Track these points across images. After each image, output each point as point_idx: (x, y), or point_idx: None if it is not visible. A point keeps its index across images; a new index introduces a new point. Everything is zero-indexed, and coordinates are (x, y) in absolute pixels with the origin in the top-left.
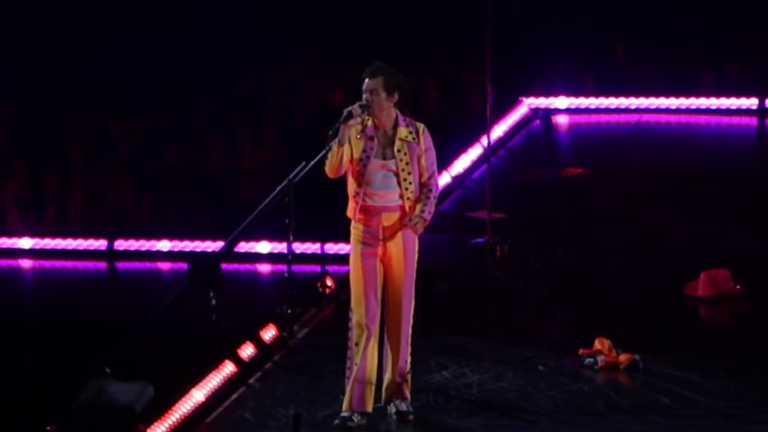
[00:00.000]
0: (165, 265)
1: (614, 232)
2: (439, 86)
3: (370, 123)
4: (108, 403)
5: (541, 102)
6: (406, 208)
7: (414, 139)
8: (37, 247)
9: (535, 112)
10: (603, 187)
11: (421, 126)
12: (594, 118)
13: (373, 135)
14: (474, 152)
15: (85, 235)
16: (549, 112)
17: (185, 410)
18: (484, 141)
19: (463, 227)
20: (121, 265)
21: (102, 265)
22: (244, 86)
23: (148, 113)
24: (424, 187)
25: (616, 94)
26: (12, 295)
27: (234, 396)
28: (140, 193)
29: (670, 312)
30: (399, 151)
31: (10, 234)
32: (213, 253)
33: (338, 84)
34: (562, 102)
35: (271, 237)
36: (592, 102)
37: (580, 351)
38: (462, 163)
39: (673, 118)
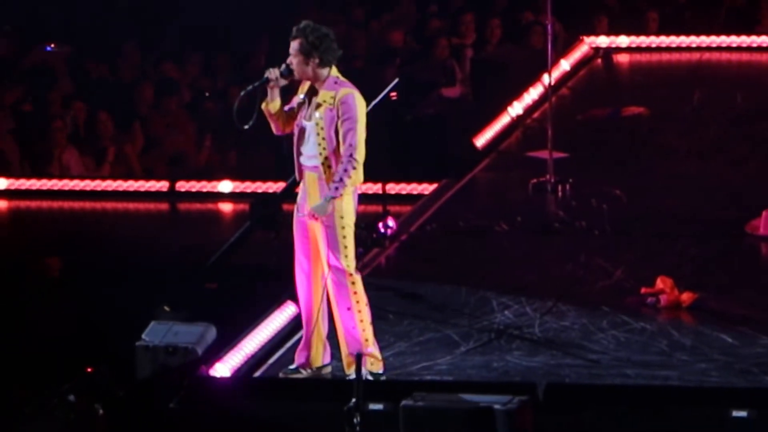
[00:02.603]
0: (226, 206)
1: (676, 171)
2: (503, 26)
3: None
4: (170, 345)
5: (602, 41)
6: (322, 172)
7: (331, 104)
8: (99, 188)
9: (596, 50)
10: (664, 126)
11: (343, 92)
12: (655, 57)
13: (304, 96)
14: (535, 91)
15: (147, 177)
16: (610, 51)
17: (247, 351)
18: (545, 80)
19: (525, 167)
20: (182, 206)
21: (164, 206)
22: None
23: (207, 54)
24: (340, 159)
25: (678, 33)
26: (72, 237)
27: (296, 337)
28: (201, 134)
29: (731, 250)
30: (316, 114)
31: (71, 176)
32: (274, 193)
33: (399, 23)
34: (623, 40)
35: None
36: (654, 40)
37: (642, 290)
38: (523, 102)
39: (735, 56)
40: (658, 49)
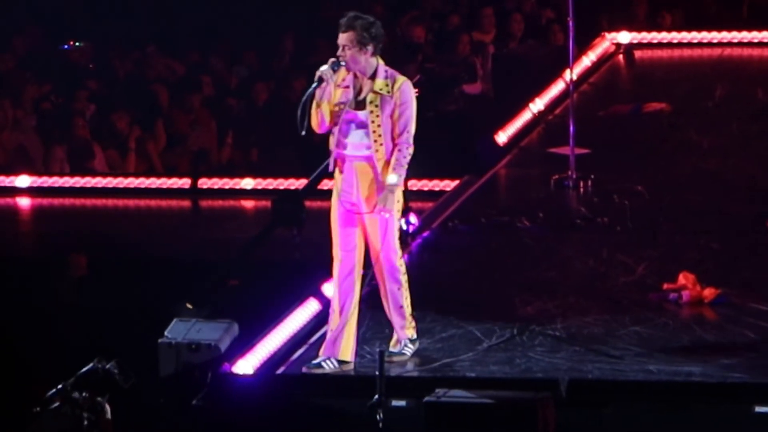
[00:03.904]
0: (248, 203)
1: (697, 167)
2: (524, 22)
3: (351, 73)
4: (193, 342)
5: (624, 37)
6: (375, 161)
7: (389, 92)
8: (121, 186)
9: (618, 46)
10: (686, 122)
11: (400, 80)
12: (677, 53)
13: (349, 85)
14: (556, 88)
15: (169, 174)
16: (631, 47)
17: (270, 348)
18: (567, 76)
19: (546, 163)
20: (204, 203)
21: (186, 203)
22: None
23: (228, 50)
24: (396, 145)
25: (699, 28)
26: (95, 235)
27: (319, 333)
28: (224, 131)
29: (753, 246)
30: (371, 102)
31: (94, 173)
32: (296, 190)
33: (422, 18)
34: (644, 37)
35: None
36: (675, 36)
37: (665, 286)
38: (544, 98)
39: (756, 52)
40: (680, 44)
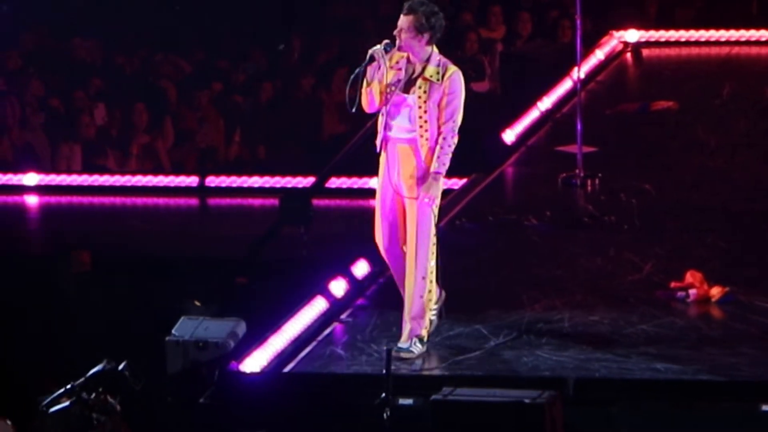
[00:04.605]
0: (256, 202)
1: (705, 165)
2: (532, 20)
3: (405, 55)
4: (200, 340)
5: (632, 35)
6: (419, 146)
7: (438, 80)
8: (128, 184)
9: (626, 45)
10: (693, 120)
11: (451, 69)
12: (685, 51)
13: (402, 67)
14: (564, 86)
15: (177, 172)
16: (639, 45)
17: (277, 346)
18: (575, 74)
19: (553, 161)
20: (212, 201)
21: (193, 201)
22: (336, 19)
23: (237, 49)
24: (440, 134)
25: (707, 27)
26: (105, 232)
27: (326, 332)
28: (231, 129)
29: (761, 244)
30: (420, 88)
31: (101, 171)
32: (304, 188)
33: None
34: (652, 35)
35: (362, 172)
36: (683, 34)
37: (672, 284)
38: (552, 97)
39: (764, 50)
40: (688, 43)
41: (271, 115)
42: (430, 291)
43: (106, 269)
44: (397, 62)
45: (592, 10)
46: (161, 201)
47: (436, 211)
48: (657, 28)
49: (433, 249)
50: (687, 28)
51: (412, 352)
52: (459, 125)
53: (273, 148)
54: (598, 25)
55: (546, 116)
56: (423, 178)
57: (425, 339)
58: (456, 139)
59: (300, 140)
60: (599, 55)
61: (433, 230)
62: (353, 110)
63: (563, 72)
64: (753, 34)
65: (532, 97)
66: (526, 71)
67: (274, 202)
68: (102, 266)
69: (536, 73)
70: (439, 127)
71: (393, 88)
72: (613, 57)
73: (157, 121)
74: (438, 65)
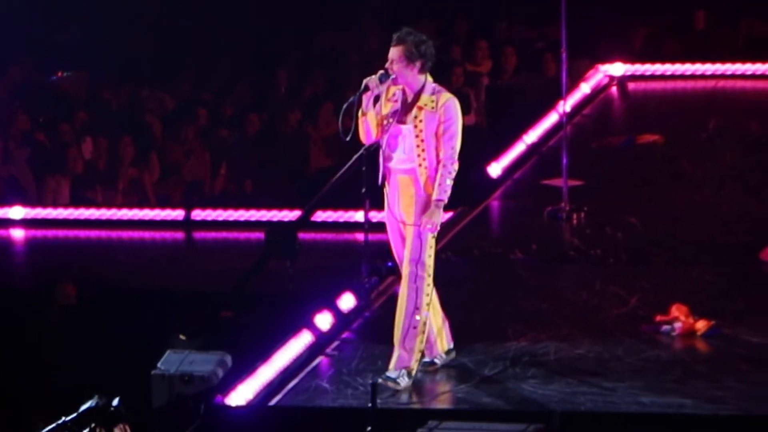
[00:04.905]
0: (242, 235)
1: (691, 198)
2: (518, 54)
3: (400, 87)
4: (186, 373)
5: (617, 69)
6: (418, 175)
7: (433, 108)
8: (114, 217)
9: (611, 78)
10: (680, 154)
11: (445, 96)
12: (670, 85)
13: (398, 99)
14: (550, 119)
15: (162, 205)
16: (625, 79)
17: (263, 379)
18: (560, 108)
19: (540, 195)
20: (198, 234)
21: (179, 235)
22: (322, 52)
23: (223, 82)
24: (440, 163)
25: (693, 60)
26: (91, 266)
27: (311, 365)
28: (217, 163)
29: (746, 278)
30: (415, 117)
31: (89, 204)
32: (290, 222)
33: None
34: (638, 69)
35: (348, 206)
36: (669, 68)
37: (657, 318)
38: (538, 130)
39: (750, 84)
40: (673, 76)
41: (257, 148)
42: (424, 323)
43: (92, 303)
44: (394, 94)
45: (579, 44)
46: (147, 234)
47: (432, 242)
48: (643, 61)
49: (429, 280)
50: (673, 61)
51: (398, 383)
52: (458, 152)
53: (259, 181)
54: (584, 59)
55: (532, 149)
56: (423, 206)
57: (413, 372)
58: (456, 166)
59: (286, 174)
60: (585, 88)
61: (429, 261)
62: (347, 139)
63: (549, 105)
64: (739, 67)
65: (518, 130)
66: (512, 104)
67: (260, 235)
68: (87, 300)
69: (522, 107)
70: (438, 156)
71: (390, 120)
72: (599, 90)
73: (143, 155)
74: (432, 93)
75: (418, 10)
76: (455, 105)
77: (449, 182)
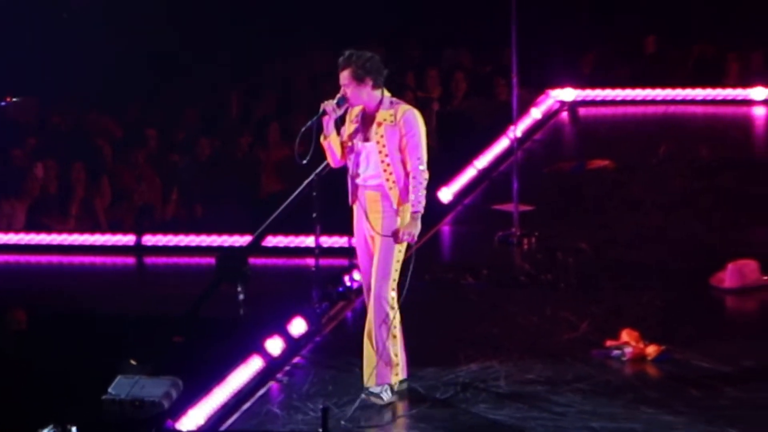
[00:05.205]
0: (193, 260)
1: (641, 223)
2: (468, 79)
3: (362, 108)
4: (137, 398)
5: (568, 94)
6: (386, 190)
7: (392, 121)
8: (65, 243)
9: (562, 104)
10: (630, 179)
11: (404, 108)
12: (621, 110)
13: (358, 118)
14: (501, 145)
15: (113, 230)
16: (576, 105)
17: (214, 405)
18: (511, 133)
19: (490, 220)
20: (149, 260)
21: (130, 260)
22: (273, 76)
23: (174, 107)
24: (409, 175)
25: (643, 86)
26: (41, 291)
27: (262, 390)
28: (168, 188)
29: (697, 303)
30: (376, 133)
31: (38, 229)
32: (240, 247)
33: None
34: (588, 94)
35: (299, 231)
36: (619, 93)
37: (608, 343)
38: (489, 155)
39: (700, 110)
40: (623, 102)
41: (208, 173)
42: (394, 336)
43: (42, 328)
44: (356, 116)
45: (530, 69)
46: (98, 260)
47: (399, 255)
48: (593, 86)
49: (394, 294)
50: (623, 86)
51: (381, 398)
52: (425, 160)
53: (210, 206)
54: (535, 84)
55: (483, 175)
56: (392, 220)
57: (395, 387)
58: (426, 175)
59: (237, 199)
60: (536, 113)
61: (395, 275)
62: (303, 162)
63: (500, 131)
64: (689, 93)
65: (469, 155)
66: (463, 130)
67: (211, 260)
68: (38, 325)
69: (473, 132)
70: (405, 168)
71: (353, 140)
72: (549, 116)
73: (94, 180)
74: (390, 107)
75: (367, 34)
76: (414, 115)
77: (422, 192)
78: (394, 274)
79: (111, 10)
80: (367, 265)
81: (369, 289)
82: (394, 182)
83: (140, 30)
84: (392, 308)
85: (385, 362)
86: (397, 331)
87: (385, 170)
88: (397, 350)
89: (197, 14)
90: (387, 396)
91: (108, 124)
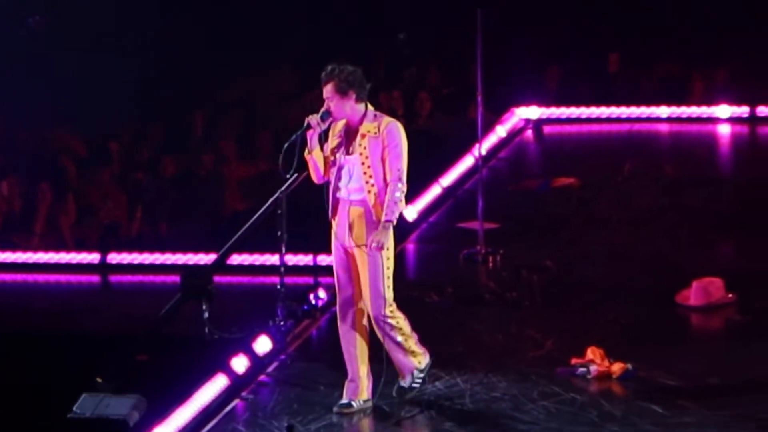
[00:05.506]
0: (158, 278)
1: (606, 242)
2: (432, 98)
3: (345, 121)
4: (101, 417)
5: (533, 112)
6: (370, 204)
7: (375, 134)
8: (30, 261)
9: (527, 122)
10: (595, 197)
11: (387, 120)
12: (586, 128)
13: (341, 132)
14: (466, 163)
15: (78, 248)
16: (540, 122)
17: (179, 423)
18: (476, 151)
19: (455, 238)
20: (113, 278)
21: (95, 278)
22: (238, 94)
23: (139, 125)
24: (388, 186)
25: (608, 104)
26: (3, 309)
27: (227, 408)
28: (133, 205)
29: (662, 321)
30: (360, 146)
31: (2, 247)
32: (205, 265)
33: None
34: (553, 112)
35: (264, 249)
36: (584, 111)
37: (573, 360)
38: (454, 173)
39: (664, 127)
40: (589, 120)
41: (173, 191)
42: (403, 334)
43: (5, 346)
44: (339, 130)
45: (494, 87)
46: (63, 278)
47: (388, 262)
48: (558, 104)
49: (393, 307)
50: (587, 104)
51: (415, 387)
52: (405, 173)
53: (175, 224)
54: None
55: (447, 193)
56: (374, 230)
57: (423, 365)
58: (403, 187)
59: (202, 217)
60: (501, 131)
61: (387, 283)
62: (287, 176)
63: (465, 148)
64: (654, 111)
65: (434, 173)
66: (427, 148)
67: (175, 278)
68: (1, 343)
69: (438, 150)
70: (385, 180)
71: (337, 154)
72: (514, 134)
73: (59, 198)
74: (374, 119)
75: (334, 54)
76: (397, 127)
77: (396, 203)
78: (388, 291)
79: (69, 30)
80: (345, 279)
81: (346, 303)
82: (375, 195)
83: (105, 49)
84: (394, 318)
85: (406, 354)
86: (408, 329)
87: (367, 182)
88: (411, 344)
89: (163, 33)
90: (420, 380)
91: (72, 142)
